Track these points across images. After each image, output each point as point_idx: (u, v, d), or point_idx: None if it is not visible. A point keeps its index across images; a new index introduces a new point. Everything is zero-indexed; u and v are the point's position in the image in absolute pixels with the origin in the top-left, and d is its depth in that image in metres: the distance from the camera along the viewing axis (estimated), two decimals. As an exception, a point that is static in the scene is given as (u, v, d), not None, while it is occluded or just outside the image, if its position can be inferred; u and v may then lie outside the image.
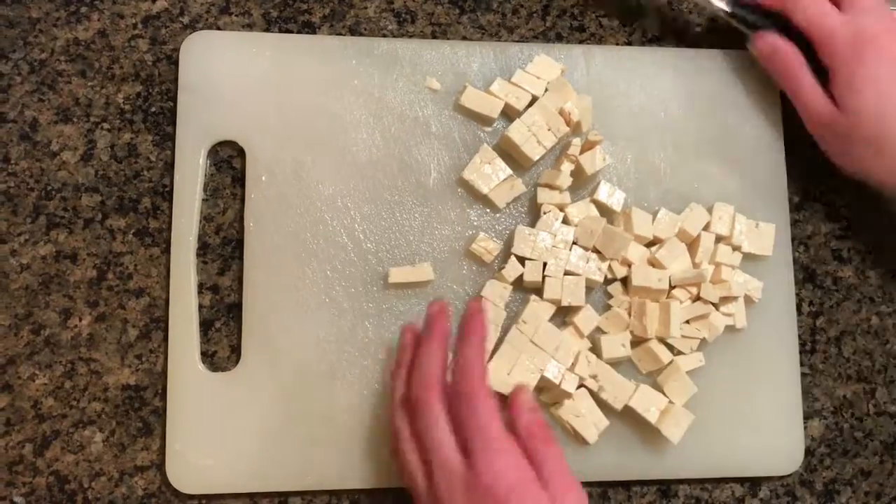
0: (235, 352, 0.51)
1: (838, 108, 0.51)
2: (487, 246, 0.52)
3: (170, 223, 0.51)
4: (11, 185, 0.51)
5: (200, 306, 0.51)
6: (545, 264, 0.51)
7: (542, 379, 0.49)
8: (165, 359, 0.50)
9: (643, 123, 0.55)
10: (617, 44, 0.58)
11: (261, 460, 0.49)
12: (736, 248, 0.54)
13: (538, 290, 0.52)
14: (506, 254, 0.52)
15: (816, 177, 0.58)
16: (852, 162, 0.52)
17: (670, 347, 0.52)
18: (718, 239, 0.54)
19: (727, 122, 0.56)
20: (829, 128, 0.52)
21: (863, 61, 0.50)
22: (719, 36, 0.58)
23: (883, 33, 0.50)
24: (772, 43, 0.53)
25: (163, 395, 0.50)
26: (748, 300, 0.54)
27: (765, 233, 0.54)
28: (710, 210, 0.54)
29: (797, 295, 0.56)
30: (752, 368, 0.54)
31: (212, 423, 0.49)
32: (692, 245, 0.53)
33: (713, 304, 0.52)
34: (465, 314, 0.46)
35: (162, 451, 0.49)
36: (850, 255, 0.57)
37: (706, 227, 0.54)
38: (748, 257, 0.54)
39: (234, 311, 0.51)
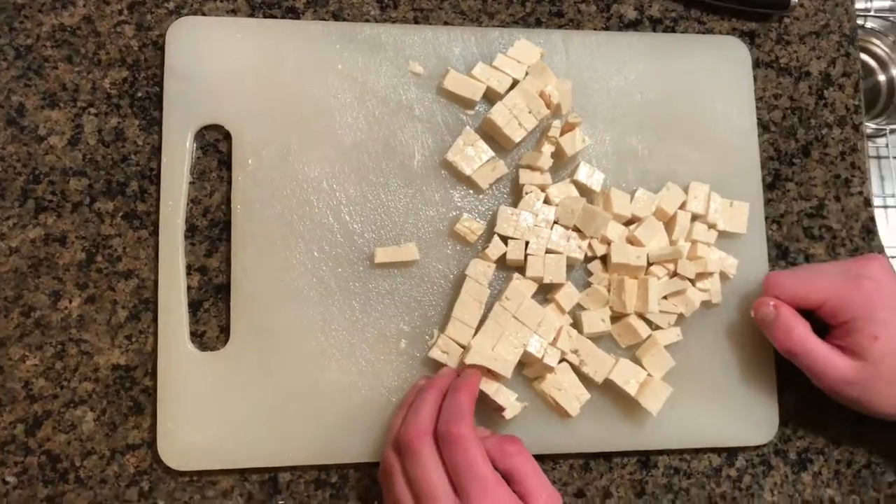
0: (224, 332, 0.52)
1: (857, 359, 0.50)
2: (471, 226, 0.53)
3: (157, 206, 0.52)
4: (-1, 170, 0.52)
5: (189, 287, 0.52)
6: (527, 243, 0.52)
7: (525, 353, 0.51)
8: (155, 339, 0.51)
9: (621, 106, 0.57)
10: (595, 29, 0.59)
11: (251, 437, 0.50)
12: (711, 226, 0.55)
13: (521, 268, 0.53)
14: (489, 233, 0.53)
15: (788, 158, 0.59)
16: (870, 402, 0.51)
17: (649, 322, 0.54)
18: (694, 217, 0.55)
19: (702, 104, 0.58)
20: (852, 383, 0.50)
21: (874, 307, 0.50)
22: (694, 21, 0.60)
23: (880, 274, 0.50)
24: (773, 307, 0.52)
25: (153, 374, 0.51)
26: (723, 276, 0.55)
27: (739, 211, 0.56)
28: (686, 189, 0.55)
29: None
30: (727, 342, 0.56)
31: (202, 401, 0.50)
32: (669, 223, 0.55)
33: (690, 280, 0.54)
34: (464, 373, 0.49)
35: (153, 429, 0.50)
36: (822, 232, 0.59)
37: (682, 206, 0.55)
38: (723, 235, 0.56)
39: (223, 291, 0.52)
